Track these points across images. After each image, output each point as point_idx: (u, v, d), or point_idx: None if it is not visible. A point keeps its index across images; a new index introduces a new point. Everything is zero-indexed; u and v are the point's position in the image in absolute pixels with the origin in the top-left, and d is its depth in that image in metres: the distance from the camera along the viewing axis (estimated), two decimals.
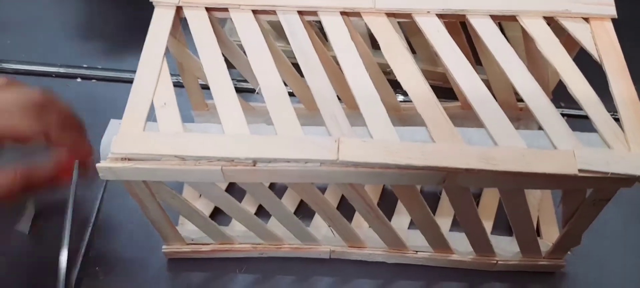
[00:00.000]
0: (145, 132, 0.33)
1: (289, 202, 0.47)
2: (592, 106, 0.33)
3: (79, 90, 0.58)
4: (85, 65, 0.59)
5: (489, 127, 0.33)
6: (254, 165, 0.33)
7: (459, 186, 0.34)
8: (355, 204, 0.38)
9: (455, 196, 0.35)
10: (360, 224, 0.45)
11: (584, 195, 0.34)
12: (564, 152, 0.31)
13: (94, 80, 0.58)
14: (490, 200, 0.46)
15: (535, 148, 0.32)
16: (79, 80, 0.58)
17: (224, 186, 0.46)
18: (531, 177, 0.31)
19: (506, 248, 0.43)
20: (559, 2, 0.37)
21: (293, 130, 0.34)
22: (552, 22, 0.37)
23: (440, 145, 0.32)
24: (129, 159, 0.33)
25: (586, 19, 0.37)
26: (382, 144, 0.32)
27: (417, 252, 0.43)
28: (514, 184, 0.32)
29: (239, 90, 0.36)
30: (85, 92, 0.57)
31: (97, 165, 0.33)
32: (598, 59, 0.35)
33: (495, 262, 0.43)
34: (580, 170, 0.30)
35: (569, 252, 0.42)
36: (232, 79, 0.36)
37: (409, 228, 0.46)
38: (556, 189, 0.44)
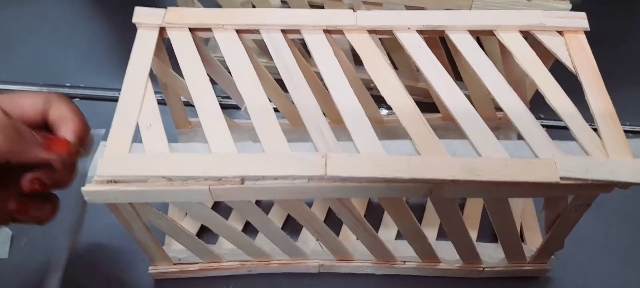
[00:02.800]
0: (131, 154, 0.33)
1: (277, 217, 0.47)
2: (569, 116, 0.34)
3: None
4: (68, 84, 0.58)
5: (472, 139, 0.34)
6: (242, 184, 0.33)
7: (444, 197, 0.34)
8: (343, 218, 0.38)
9: (441, 206, 0.36)
10: (348, 237, 0.46)
11: (566, 201, 0.35)
12: (545, 160, 0.32)
13: (77, 99, 0.58)
14: (474, 208, 0.47)
15: (517, 158, 0.33)
16: None
17: (210, 204, 0.46)
18: (515, 186, 0.32)
19: (492, 255, 0.44)
20: (534, 16, 0.38)
21: (280, 147, 0.34)
22: (528, 35, 0.38)
23: (425, 158, 0.33)
24: (115, 182, 0.32)
25: (560, 32, 0.38)
26: (368, 157, 0.33)
27: (405, 262, 0.44)
28: (498, 194, 0.33)
29: (223, 107, 0.36)
30: None
31: (82, 188, 0.32)
32: (573, 70, 0.36)
33: (481, 269, 0.43)
34: (561, 178, 0.31)
35: (552, 256, 0.43)
36: (217, 96, 0.36)
37: (396, 238, 0.46)
38: (539, 197, 0.45)
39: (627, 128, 0.55)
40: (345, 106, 0.35)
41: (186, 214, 0.48)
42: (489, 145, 0.33)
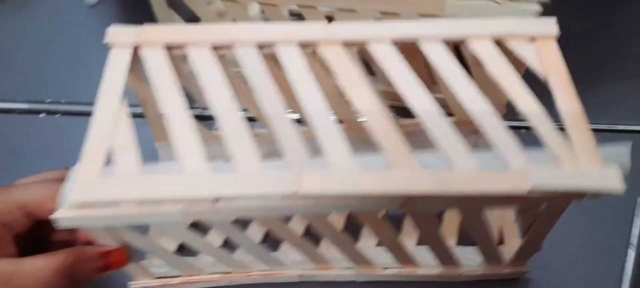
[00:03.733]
0: (102, 177, 0.33)
1: (256, 231, 0.47)
2: (540, 124, 0.34)
3: (45, 126, 0.57)
4: (49, 100, 0.58)
5: (444, 151, 0.34)
6: (215, 204, 0.34)
7: (418, 210, 0.34)
8: (321, 231, 0.38)
9: (417, 219, 0.36)
10: (328, 246, 0.46)
11: (539, 209, 0.36)
12: (516, 171, 0.32)
13: (58, 115, 0.57)
14: (453, 214, 0.48)
15: (488, 170, 0.33)
16: (43, 115, 0.58)
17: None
18: (486, 198, 0.32)
19: (472, 259, 0.44)
20: (505, 24, 0.39)
21: (252, 166, 0.34)
22: (500, 43, 0.39)
23: (397, 172, 0.33)
24: (87, 206, 0.32)
25: (532, 39, 0.38)
26: (341, 174, 0.33)
27: (385, 269, 0.44)
28: (471, 205, 0.33)
29: (203, 118, 0.36)
30: (51, 128, 0.57)
31: (52, 217, 0.32)
32: (543, 77, 0.36)
33: (460, 273, 0.44)
34: (532, 189, 0.31)
35: (531, 258, 0.43)
36: (197, 107, 0.36)
37: (377, 246, 0.46)
38: (511, 207, 0.45)
39: (605, 127, 0.55)
40: (318, 122, 0.36)
41: None
42: (461, 157, 0.33)
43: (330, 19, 0.46)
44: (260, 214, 0.35)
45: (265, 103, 0.37)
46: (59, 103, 0.58)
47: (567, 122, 0.34)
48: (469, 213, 0.36)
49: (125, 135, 0.35)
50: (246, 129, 0.35)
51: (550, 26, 0.38)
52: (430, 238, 0.39)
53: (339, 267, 0.44)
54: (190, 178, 0.33)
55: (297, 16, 0.53)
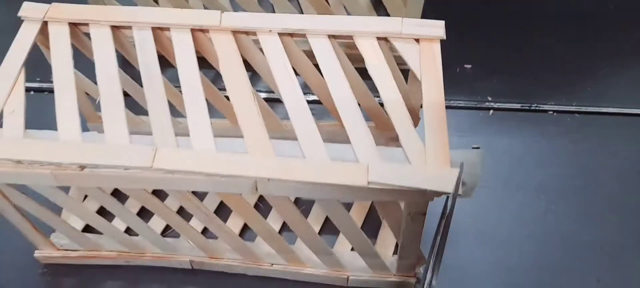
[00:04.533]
0: None
1: (132, 205, 0.47)
2: (401, 124, 0.34)
3: None
4: None
5: (300, 140, 0.34)
6: (82, 170, 0.35)
7: (276, 196, 0.35)
8: (193, 212, 0.39)
9: (276, 204, 0.36)
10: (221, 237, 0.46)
11: (399, 208, 0.35)
12: (360, 165, 0.32)
13: None
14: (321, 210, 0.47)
15: (340, 161, 0.33)
16: None
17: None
18: (327, 187, 0.32)
19: (359, 265, 0.43)
20: (393, 24, 0.39)
21: (120, 138, 0.35)
22: (385, 42, 0.39)
23: (250, 156, 0.33)
24: None
25: (417, 40, 0.38)
26: (197, 153, 0.34)
27: (272, 264, 0.44)
28: (315, 194, 0.33)
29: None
30: None
31: None
32: (419, 78, 0.36)
33: (346, 277, 0.43)
34: (370, 182, 0.31)
35: (418, 269, 0.42)
36: None
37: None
38: (355, 200, 0.45)
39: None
40: (191, 103, 0.37)
41: (85, 198, 0.49)
42: (314, 147, 0.34)
43: None
44: (123, 185, 0.36)
45: (147, 84, 0.38)
46: None
47: (427, 124, 0.33)
48: (326, 205, 0.36)
49: (18, 101, 0.37)
50: (121, 105, 0.37)
51: (438, 29, 0.38)
52: (294, 224, 0.38)
53: (229, 257, 0.44)
54: (62, 145, 0.35)
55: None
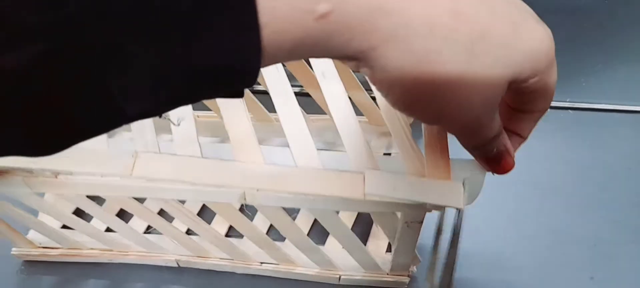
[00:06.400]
0: None
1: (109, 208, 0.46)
2: (398, 129, 0.32)
3: None
4: None
5: (291, 147, 0.32)
6: (56, 177, 0.33)
7: (262, 204, 0.33)
8: (179, 218, 0.37)
9: (264, 211, 0.35)
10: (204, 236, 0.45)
11: (395, 217, 0.34)
12: (355, 175, 0.30)
13: None
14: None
15: (334, 171, 0.31)
16: None
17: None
18: (320, 198, 0.30)
19: (350, 264, 0.42)
20: None
21: (97, 143, 0.33)
22: None
23: (237, 164, 0.31)
24: None
25: None
26: (179, 160, 0.32)
27: (261, 263, 0.43)
28: (308, 204, 0.32)
29: None
30: None
31: None
32: None
33: (338, 276, 0.42)
34: (366, 195, 0.29)
35: (413, 269, 0.41)
36: None
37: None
38: (351, 210, 0.44)
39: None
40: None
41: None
42: (307, 155, 0.32)
43: None
44: (100, 193, 0.34)
45: None
46: None
47: (427, 134, 0.31)
48: (320, 214, 0.34)
49: None
50: None
51: None
52: (285, 231, 0.37)
53: (216, 256, 0.43)
54: None
55: None
